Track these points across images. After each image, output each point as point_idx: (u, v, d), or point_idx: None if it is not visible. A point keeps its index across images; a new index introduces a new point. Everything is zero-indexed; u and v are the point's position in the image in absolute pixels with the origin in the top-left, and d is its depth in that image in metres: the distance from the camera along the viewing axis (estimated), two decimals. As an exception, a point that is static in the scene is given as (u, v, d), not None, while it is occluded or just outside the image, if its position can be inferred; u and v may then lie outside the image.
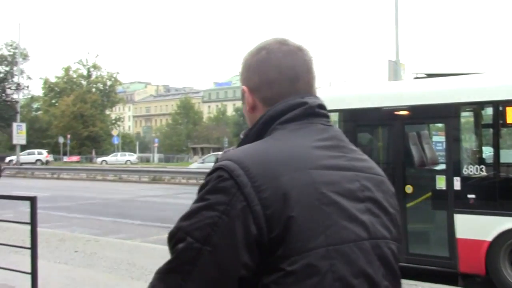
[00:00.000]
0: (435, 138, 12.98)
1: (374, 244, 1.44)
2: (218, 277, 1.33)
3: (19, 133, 49.32)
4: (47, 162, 57.42)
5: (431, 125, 11.42)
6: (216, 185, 1.38)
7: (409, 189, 9.17)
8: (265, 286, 1.33)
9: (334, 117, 11.32)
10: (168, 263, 1.38)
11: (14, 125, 49.63)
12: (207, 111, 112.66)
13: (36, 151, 62.26)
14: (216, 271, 1.32)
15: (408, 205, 9.19)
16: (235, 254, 1.32)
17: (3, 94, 71.31)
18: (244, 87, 1.67)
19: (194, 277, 1.33)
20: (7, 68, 71.05)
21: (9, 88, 69.57)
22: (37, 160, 59.23)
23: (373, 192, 1.52)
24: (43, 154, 60.80)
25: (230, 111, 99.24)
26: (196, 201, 1.40)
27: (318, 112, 1.59)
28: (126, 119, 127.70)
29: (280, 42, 1.67)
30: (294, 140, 1.49)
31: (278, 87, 1.61)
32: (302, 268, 1.32)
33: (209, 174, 1.42)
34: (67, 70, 76.68)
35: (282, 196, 1.34)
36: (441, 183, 8.79)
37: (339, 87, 14.57)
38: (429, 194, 9.07)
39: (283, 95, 1.59)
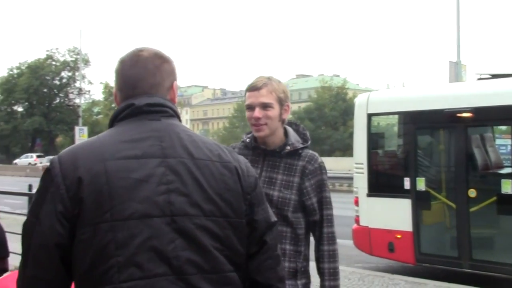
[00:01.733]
0: (498, 141, 12.61)
1: (168, 220, 1.78)
2: (44, 243, 1.77)
3: (81, 137, 50.16)
4: (35, 165, 59.16)
5: (494, 128, 11.09)
6: (43, 175, 1.87)
7: (472, 193, 8.91)
8: (74, 248, 1.77)
9: (393, 119, 11.14)
10: (21, 235, 1.87)
11: (76, 128, 50.57)
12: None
13: (30, 155, 65.61)
14: (42, 238, 1.78)
15: (472, 209, 8.93)
16: (51, 225, 1.76)
17: (66, 99, 73.15)
18: (114, 89, 2.13)
19: (32, 243, 1.80)
20: (70, 74, 72.79)
21: (72, 93, 71.31)
22: (29, 163, 61.81)
23: (181, 175, 1.84)
24: (33, 158, 64.31)
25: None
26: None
27: (145, 109, 1.96)
28: (183, 122, 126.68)
29: (133, 53, 2.09)
30: (109, 136, 1.91)
31: (125, 92, 2.04)
32: (89, 237, 1.74)
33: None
34: (126, 74, 77.68)
35: (77, 182, 1.77)
36: (506, 187, 8.51)
37: (398, 89, 14.37)
38: (494, 198, 8.78)
39: (129, 97, 2.00)
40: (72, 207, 1.76)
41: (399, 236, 9.46)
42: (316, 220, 3.01)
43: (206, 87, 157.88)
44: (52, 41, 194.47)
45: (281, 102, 3.01)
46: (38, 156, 64.96)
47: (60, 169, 1.81)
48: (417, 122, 9.85)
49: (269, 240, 2.01)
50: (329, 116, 71.07)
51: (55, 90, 74.54)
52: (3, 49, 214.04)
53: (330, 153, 68.68)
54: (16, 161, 65.36)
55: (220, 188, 1.89)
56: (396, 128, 11.01)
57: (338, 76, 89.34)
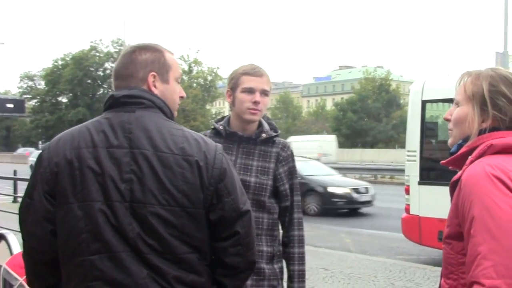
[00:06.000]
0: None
1: (128, 205, 2.00)
2: (37, 218, 2.06)
3: (124, 127, 51.06)
4: None
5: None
6: (37, 159, 2.15)
7: None
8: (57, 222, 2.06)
9: (448, 107, 10.90)
10: (19, 214, 2.14)
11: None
12: (307, 106, 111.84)
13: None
14: (35, 215, 2.07)
15: None
16: (41, 202, 2.05)
17: (109, 90, 73.80)
18: None
19: (28, 220, 2.08)
20: (113, 65, 73.27)
21: (115, 84, 72.02)
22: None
23: (142, 167, 2.02)
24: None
25: (329, 106, 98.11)
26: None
27: (122, 101, 2.14)
28: (226, 114, 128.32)
29: (129, 46, 2.30)
30: (90, 125, 2.13)
31: (113, 83, 2.28)
32: (64, 214, 2.02)
33: None
34: (169, 65, 77.94)
35: (56, 167, 2.05)
36: None
37: (454, 76, 14.01)
38: None
39: (116, 89, 2.23)
40: (54, 188, 2.05)
41: (450, 225, 9.24)
42: (287, 206, 3.11)
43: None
44: (96, 32, 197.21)
45: (269, 93, 3.18)
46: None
47: (48, 154, 2.10)
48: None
49: (239, 229, 2.15)
50: (372, 107, 70.41)
51: (98, 81, 75.78)
52: (49, 40, 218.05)
53: (372, 145, 68.21)
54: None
55: (177, 180, 2.04)
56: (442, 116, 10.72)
57: (381, 67, 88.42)
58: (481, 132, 2.07)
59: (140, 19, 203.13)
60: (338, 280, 8.45)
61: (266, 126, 3.16)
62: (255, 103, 3.04)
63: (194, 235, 2.07)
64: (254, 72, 3.09)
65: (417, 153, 9.86)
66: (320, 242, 12.16)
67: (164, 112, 2.19)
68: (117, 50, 71.45)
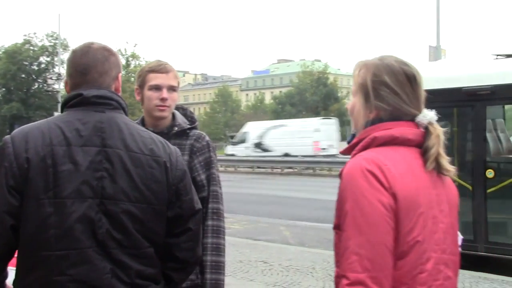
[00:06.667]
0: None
1: (98, 202, 2.06)
2: None
3: (60, 122, 49.92)
4: None
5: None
6: None
7: (490, 173, 8.62)
8: (21, 216, 2.03)
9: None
10: None
11: (55, 114, 50.31)
12: (245, 100, 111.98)
13: None
14: None
15: (489, 191, 8.59)
16: (3, 196, 2.02)
17: (45, 84, 72.14)
18: (65, 77, 2.34)
19: None
20: (48, 59, 71.80)
21: (50, 78, 70.02)
22: None
23: (115, 165, 2.10)
24: None
25: (268, 99, 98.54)
26: None
27: (92, 101, 2.19)
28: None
29: (85, 44, 2.33)
30: (59, 122, 2.14)
31: (74, 79, 2.27)
32: (33, 210, 2.02)
33: None
34: (106, 59, 76.43)
35: (27, 163, 2.03)
36: None
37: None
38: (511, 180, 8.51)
39: (78, 85, 2.25)
40: (22, 183, 2.03)
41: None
42: (204, 197, 3.10)
43: (187, 72, 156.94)
44: (29, 25, 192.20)
45: (178, 88, 3.22)
46: None
47: (13, 148, 2.07)
48: (434, 101, 9.46)
49: (192, 226, 2.32)
50: (310, 100, 71.15)
51: (33, 76, 73.70)
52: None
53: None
54: None
55: (148, 179, 2.16)
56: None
57: (319, 61, 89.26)
58: (369, 123, 2.08)
59: (76, 12, 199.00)
60: (277, 272, 8.51)
61: (179, 119, 3.20)
62: (163, 99, 3.09)
63: (155, 230, 2.19)
64: (160, 68, 3.13)
65: None
66: (260, 235, 12.25)
67: (125, 113, 2.31)
68: (52, 44, 69.71)
